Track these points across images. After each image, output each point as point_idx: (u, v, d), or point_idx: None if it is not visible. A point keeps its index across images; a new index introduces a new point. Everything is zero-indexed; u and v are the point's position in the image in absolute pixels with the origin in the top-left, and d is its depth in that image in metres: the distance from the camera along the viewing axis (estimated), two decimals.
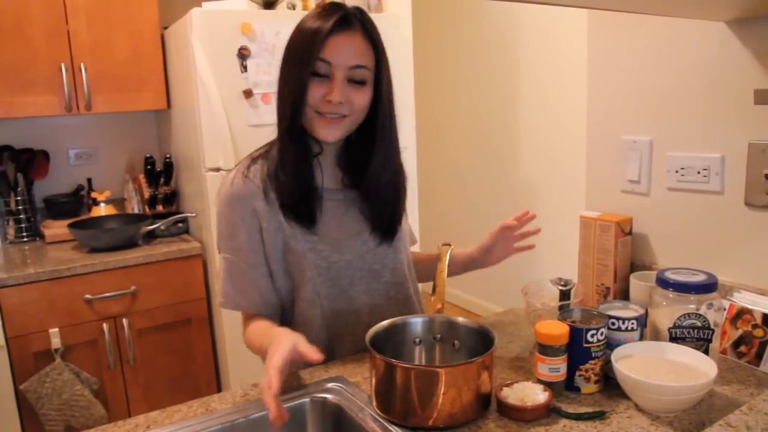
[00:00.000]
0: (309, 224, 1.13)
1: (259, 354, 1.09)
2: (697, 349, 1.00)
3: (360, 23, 1.08)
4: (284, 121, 1.11)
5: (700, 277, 1.03)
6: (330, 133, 1.10)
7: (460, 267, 1.37)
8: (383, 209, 1.19)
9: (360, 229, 1.18)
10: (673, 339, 1.03)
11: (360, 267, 1.17)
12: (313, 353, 0.92)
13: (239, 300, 1.16)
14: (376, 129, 1.14)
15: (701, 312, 1.01)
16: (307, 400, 1.04)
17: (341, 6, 1.08)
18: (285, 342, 0.94)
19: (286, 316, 1.21)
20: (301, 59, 1.06)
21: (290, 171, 1.12)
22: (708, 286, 1.01)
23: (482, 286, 3.93)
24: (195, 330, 2.36)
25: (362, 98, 1.10)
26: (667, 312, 1.03)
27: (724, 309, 1.11)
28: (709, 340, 1.02)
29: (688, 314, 1.01)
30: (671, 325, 1.03)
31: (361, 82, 1.09)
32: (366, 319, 1.18)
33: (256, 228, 1.13)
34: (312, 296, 1.15)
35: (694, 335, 1.02)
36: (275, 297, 1.18)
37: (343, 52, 1.06)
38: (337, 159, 1.20)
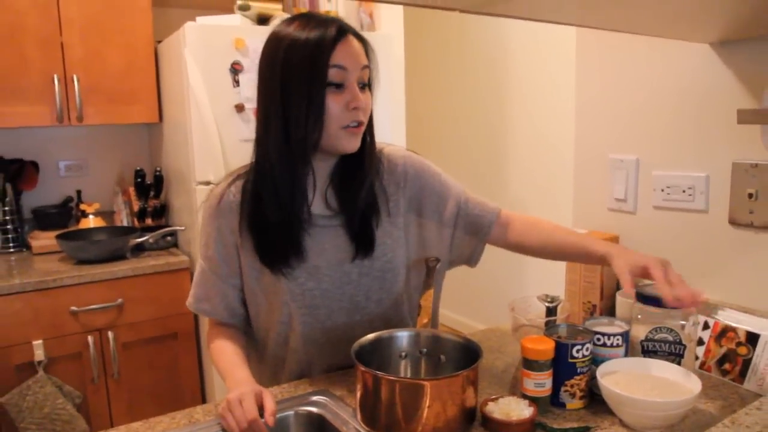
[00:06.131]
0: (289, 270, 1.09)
1: (218, 371, 1.11)
2: None
3: (346, 26, 1.03)
4: (298, 148, 1.02)
5: None
6: (355, 143, 1.04)
7: (575, 253, 1.17)
8: (364, 225, 1.12)
9: (342, 257, 1.11)
10: (645, 352, 1.04)
11: (339, 297, 1.12)
12: (270, 415, 0.93)
13: (204, 305, 1.17)
14: (365, 138, 1.09)
15: (673, 327, 1.02)
16: (291, 413, 1.03)
17: (322, 15, 1.05)
18: (249, 391, 0.96)
19: (261, 334, 1.19)
20: (312, 71, 0.98)
21: (280, 222, 1.06)
22: None
23: (467, 304, 3.92)
24: (181, 344, 2.34)
25: (370, 101, 1.06)
26: (643, 326, 1.05)
27: (699, 324, 1.12)
28: (681, 355, 1.03)
29: (660, 327, 1.03)
30: (643, 338, 1.04)
31: (368, 84, 1.05)
32: (344, 351, 1.10)
33: (232, 243, 1.12)
34: (286, 319, 1.13)
35: (666, 349, 1.03)
36: (242, 309, 1.17)
37: (352, 54, 1.00)
38: (330, 179, 1.12)
